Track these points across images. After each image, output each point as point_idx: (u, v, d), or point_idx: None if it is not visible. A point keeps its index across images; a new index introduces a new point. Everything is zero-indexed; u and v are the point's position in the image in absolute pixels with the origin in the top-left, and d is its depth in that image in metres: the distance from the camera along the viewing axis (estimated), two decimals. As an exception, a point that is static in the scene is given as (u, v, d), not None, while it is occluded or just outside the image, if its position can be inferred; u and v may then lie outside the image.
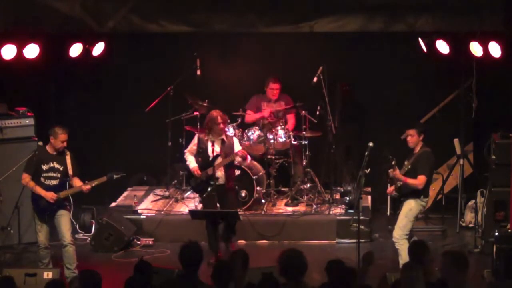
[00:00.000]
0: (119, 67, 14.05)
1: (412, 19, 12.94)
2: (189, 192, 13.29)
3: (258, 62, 14.05)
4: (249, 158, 12.08)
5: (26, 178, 10.94)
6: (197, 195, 12.35)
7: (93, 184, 10.91)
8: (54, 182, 10.91)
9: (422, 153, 10.83)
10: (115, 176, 11.07)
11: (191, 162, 11.69)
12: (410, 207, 10.80)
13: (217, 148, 11.57)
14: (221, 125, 11.52)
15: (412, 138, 10.89)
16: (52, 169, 10.92)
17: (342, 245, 12.57)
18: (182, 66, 13.56)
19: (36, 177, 10.90)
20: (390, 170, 10.73)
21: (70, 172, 10.94)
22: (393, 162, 10.67)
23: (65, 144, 10.89)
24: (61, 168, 10.92)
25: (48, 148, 10.96)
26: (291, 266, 7.75)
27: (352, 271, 7.79)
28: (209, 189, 11.47)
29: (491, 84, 13.43)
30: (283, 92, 13.61)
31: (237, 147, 11.79)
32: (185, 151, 11.88)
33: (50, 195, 10.80)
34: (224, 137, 11.64)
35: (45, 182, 10.90)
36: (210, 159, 11.52)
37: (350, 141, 13.96)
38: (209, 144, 11.57)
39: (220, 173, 11.57)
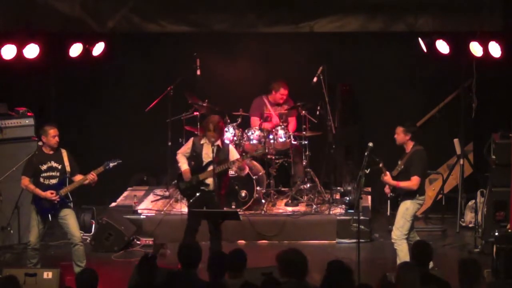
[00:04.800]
0: (119, 67, 14.06)
1: (412, 19, 12.95)
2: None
3: (258, 62, 14.06)
4: (247, 169, 11.91)
5: (25, 181, 10.93)
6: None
7: (94, 174, 10.90)
8: (54, 181, 10.91)
9: (413, 153, 10.80)
10: (111, 164, 11.04)
11: (183, 164, 11.38)
12: (406, 207, 10.79)
13: (211, 154, 11.30)
14: (212, 134, 11.17)
15: (398, 136, 10.88)
16: (51, 169, 10.92)
17: (342, 245, 12.57)
18: (182, 66, 13.56)
19: (35, 178, 10.90)
20: (382, 176, 10.73)
21: (68, 169, 10.94)
22: (381, 165, 10.65)
23: (57, 139, 10.88)
24: (59, 167, 10.93)
25: (44, 149, 10.96)
26: (292, 266, 7.77)
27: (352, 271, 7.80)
28: (197, 194, 11.32)
29: (491, 84, 13.43)
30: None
31: (233, 155, 11.44)
32: (178, 152, 11.56)
33: (49, 194, 10.81)
34: (219, 143, 11.37)
35: (45, 182, 10.90)
36: (203, 164, 11.32)
37: (350, 141, 13.96)
38: (204, 149, 11.34)
39: (210, 179, 11.27)
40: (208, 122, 11.28)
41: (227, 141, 12.87)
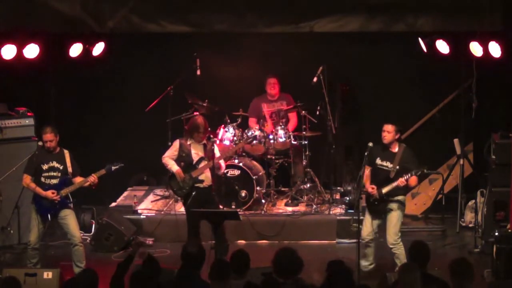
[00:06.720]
0: (119, 67, 14.06)
1: (412, 19, 12.93)
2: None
3: (258, 62, 14.05)
4: (223, 167, 11.83)
5: (26, 179, 10.94)
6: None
7: (95, 177, 10.90)
8: (55, 181, 10.93)
9: (404, 152, 10.74)
10: (113, 168, 11.06)
11: (173, 165, 11.42)
12: (401, 209, 10.75)
13: (201, 152, 11.40)
14: (201, 135, 11.32)
15: (389, 134, 10.77)
16: (52, 169, 10.94)
17: (342, 245, 12.57)
18: (182, 66, 13.56)
19: (36, 177, 10.91)
20: (401, 180, 10.53)
21: (70, 170, 10.95)
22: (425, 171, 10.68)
23: (49, 144, 10.86)
24: (61, 167, 10.94)
25: (46, 148, 10.97)
26: (286, 265, 7.79)
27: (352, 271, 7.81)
28: (193, 193, 11.32)
29: (491, 84, 13.43)
30: (284, 91, 13.64)
31: (216, 150, 11.50)
32: (164, 156, 11.54)
33: (50, 194, 10.82)
34: (205, 141, 11.45)
35: (46, 182, 10.92)
36: (194, 162, 11.37)
37: (350, 141, 13.97)
38: (192, 148, 11.39)
39: (204, 175, 11.37)
40: (196, 125, 11.32)
41: (226, 142, 12.93)
